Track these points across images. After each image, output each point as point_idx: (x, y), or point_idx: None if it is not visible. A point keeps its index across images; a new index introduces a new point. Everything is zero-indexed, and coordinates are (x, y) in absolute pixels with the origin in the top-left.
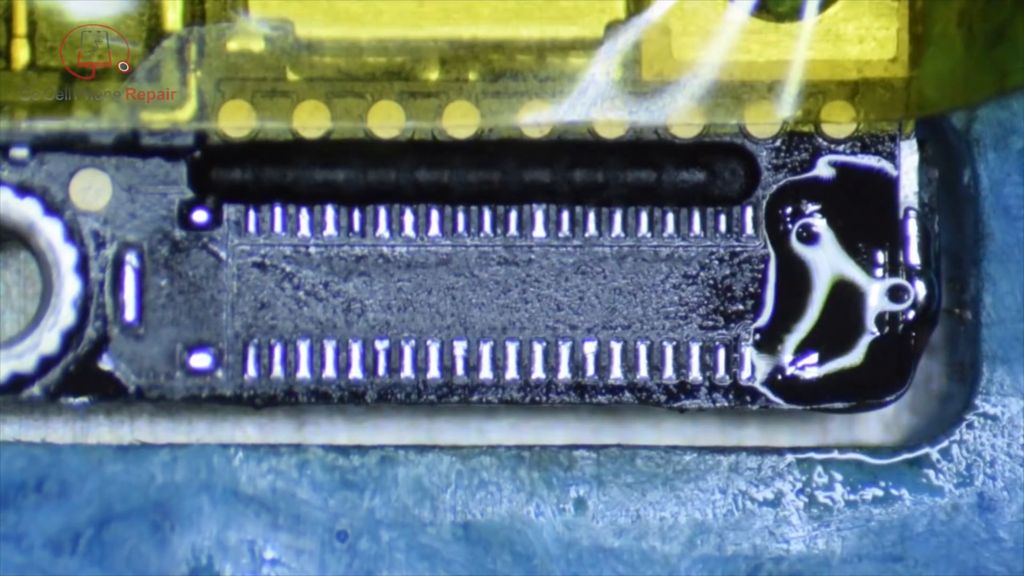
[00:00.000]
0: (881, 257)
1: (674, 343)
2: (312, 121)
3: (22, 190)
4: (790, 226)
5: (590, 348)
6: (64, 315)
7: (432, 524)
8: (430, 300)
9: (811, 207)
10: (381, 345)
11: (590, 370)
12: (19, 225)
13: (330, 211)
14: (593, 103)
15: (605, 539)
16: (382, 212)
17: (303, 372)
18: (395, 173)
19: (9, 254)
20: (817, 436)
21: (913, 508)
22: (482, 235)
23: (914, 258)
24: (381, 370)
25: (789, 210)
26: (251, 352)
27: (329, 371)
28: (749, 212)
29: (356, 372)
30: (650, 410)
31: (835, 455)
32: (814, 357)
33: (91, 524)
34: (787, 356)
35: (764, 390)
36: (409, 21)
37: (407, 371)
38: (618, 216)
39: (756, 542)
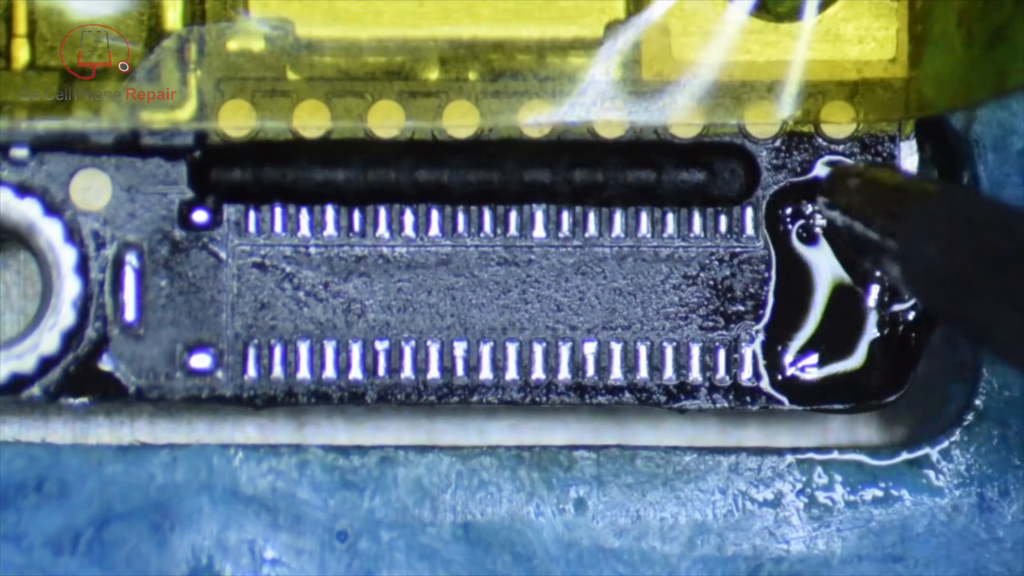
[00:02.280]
0: None
1: (674, 344)
2: (312, 121)
3: (22, 190)
4: (790, 226)
5: (590, 349)
6: (64, 315)
7: (432, 524)
8: (430, 300)
9: (811, 207)
10: (381, 345)
11: (590, 371)
12: (19, 225)
13: (330, 211)
14: (593, 103)
15: (605, 539)
16: (382, 212)
17: (303, 372)
18: (395, 173)
19: (9, 254)
20: (817, 437)
21: (913, 509)
22: (482, 235)
23: None
24: (381, 371)
25: (789, 210)
26: (251, 352)
27: (329, 371)
28: (749, 212)
29: (356, 373)
30: (650, 411)
31: (835, 456)
32: (814, 357)
33: (91, 524)
34: (787, 357)
35: (764, 391)
36: (409, 21)
37: (407, 372)
38: (618, 216)
39: (756, 543)
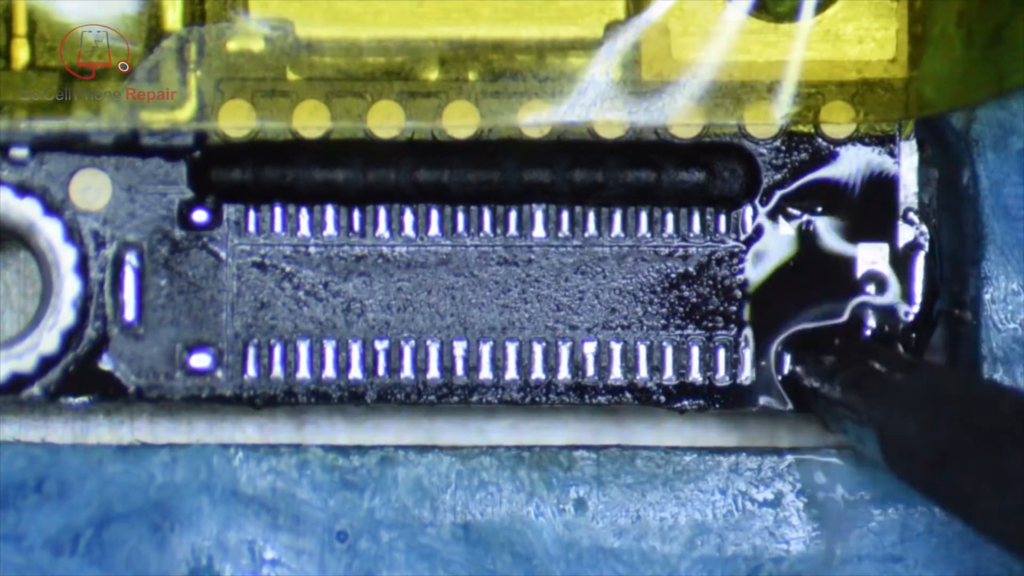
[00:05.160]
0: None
1: (674, 344)
2: (312, 121)
3: (22, 190)
4: (790, 226)
5: (590, 348)
6: (64, 315)
7: (432, 524)
8: (430, 300)
9: (811, 207)
10: (381, 345)
11: (590, 370)
12: (19, 225)
13: (330, 211)
14: (593, 103)
15: (605, 539)
16: (382, 212)
17: (303, 372)
18: (395, 173)
19: (9, 254)
20: (817, 436)
21: (913, 509)
22: (482, 235)
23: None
24: (381, 370)
25: (789, 210)
26: (251, 352)
27: (329, 371)
28: (749, 212)
29: (356, 372)
30: (650, 410)
31: (835, 456)
32: (814, 357)
33: (91, 524)
34: (787, 357)
35: (764, 391)
36: (409, 21)
37: (407, 371)
38: (618, 216)
39: (756, 543)
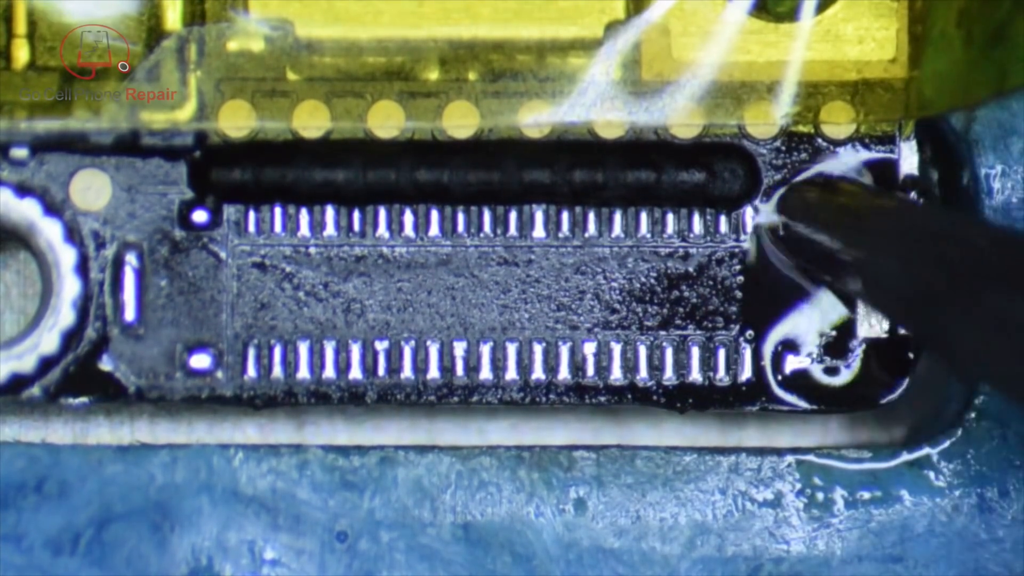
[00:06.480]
0: None
1: (674, 344)
2: (312, 121)
3: (22, 190)
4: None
5: (590, 348)
6: (64, 315)
7: (432, 525)
8: (430, 300)
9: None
10: (381, 345)
11: (590, 371)
12: (19, 225)
13: (330, 211)
14: (593, 103)
15: (605, 540)
16: (382, 212)
17: (303, 373)
18: (395, 173)
19: (9, 254)
20: (817, 437)
21: (913, 509)
22: (482, 235)
23: None
24: (381, 371)
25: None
26: (251, 352)
27: (329, 372)
28: (749, 212)
29: (356, 372)
30: (650, 411)
31: (835, 456)
32: (814, 357)
33: (91, 524)
34: (787, 357)
35: (764, 391)
36: (409, 21)
37: (407, 372)
38: (618, 216)
39: (756, 543)
